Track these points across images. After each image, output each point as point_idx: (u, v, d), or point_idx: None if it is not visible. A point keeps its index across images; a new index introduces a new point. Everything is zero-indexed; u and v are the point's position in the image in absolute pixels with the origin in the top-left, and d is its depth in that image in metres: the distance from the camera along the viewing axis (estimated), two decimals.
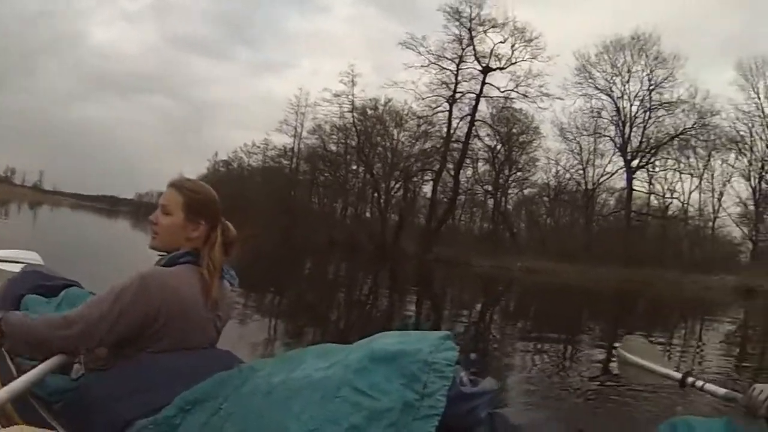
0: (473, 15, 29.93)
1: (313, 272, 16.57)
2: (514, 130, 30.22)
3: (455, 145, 31.55)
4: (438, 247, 30.48)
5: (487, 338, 7.05)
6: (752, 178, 27.98)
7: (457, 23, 30.29)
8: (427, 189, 33.51)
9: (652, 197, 29.12)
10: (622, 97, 29.40)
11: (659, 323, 11.09)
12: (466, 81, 31.37)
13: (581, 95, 29.90)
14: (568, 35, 66.75)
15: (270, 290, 9.31)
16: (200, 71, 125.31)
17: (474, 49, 30.70)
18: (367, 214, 36.49)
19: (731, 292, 20.70)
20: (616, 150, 28.89)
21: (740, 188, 28.66)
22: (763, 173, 27.86)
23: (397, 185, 34.83)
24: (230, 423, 1.03)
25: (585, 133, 29.56)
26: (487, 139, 31.37)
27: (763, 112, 27.30)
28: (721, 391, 1.50)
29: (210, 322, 1.38)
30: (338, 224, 35.36)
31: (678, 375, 1.66)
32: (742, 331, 11.19)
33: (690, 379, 1.59)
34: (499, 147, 30.59)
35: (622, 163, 28.61)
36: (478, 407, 1.09)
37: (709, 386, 1.54)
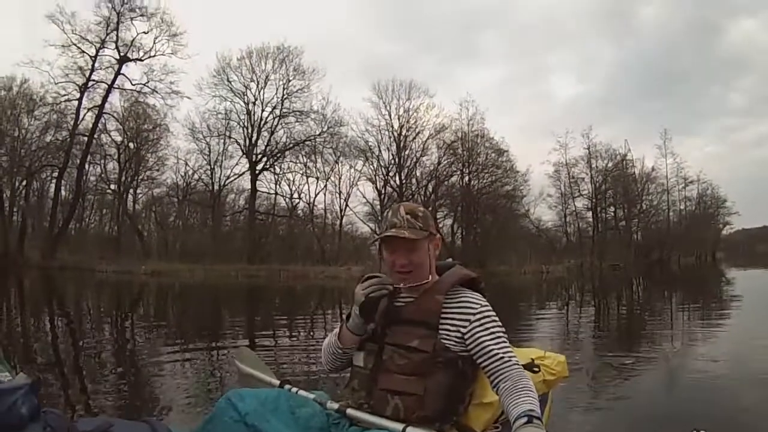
0: None
1: None
2: (144, 126, 28.88)
3: (83, 138, 28.65)
4: (64, 253, 27.78)
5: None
6: (378, 182, 33.06)
7: (110, 4, 27.46)
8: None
9: (279, 198, 31.24)
10: (255, 102, 30.62)
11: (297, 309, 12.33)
12: (102, 69, 28.56)
13: (215, 96, 30.12)
14: (215, 38, 67.67)
15: None
16: None
17: (117, 35, 28.26)
18: None
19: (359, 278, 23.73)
20: (243, 153, 30.03)
21: (365, 190, 33.33)
22: (388, 178, 33.35)
23: (24, 183, 29.89)
24: None
25: (215, 134, 29.92)
26: (115, 134, 29.41)
27: (392, 127, 32.57)
28: (311, 396, 1.64)
29: None
30: None
31: (277, 381, 1.90)
32: None
33: (287, 386, 1.76)
34: (127, 143, 28.85)
35: (249, 165, 29.82)
36: (17, 401, 1.17)
37: (302, 392, 1.67)
